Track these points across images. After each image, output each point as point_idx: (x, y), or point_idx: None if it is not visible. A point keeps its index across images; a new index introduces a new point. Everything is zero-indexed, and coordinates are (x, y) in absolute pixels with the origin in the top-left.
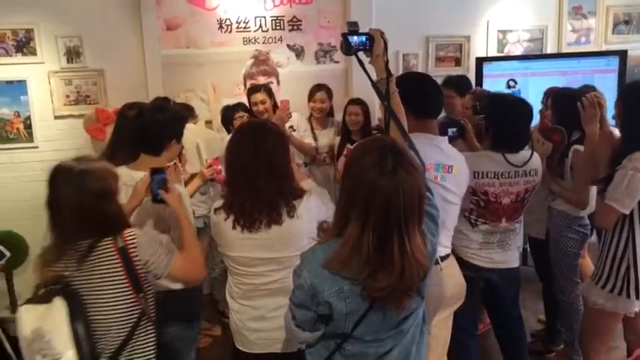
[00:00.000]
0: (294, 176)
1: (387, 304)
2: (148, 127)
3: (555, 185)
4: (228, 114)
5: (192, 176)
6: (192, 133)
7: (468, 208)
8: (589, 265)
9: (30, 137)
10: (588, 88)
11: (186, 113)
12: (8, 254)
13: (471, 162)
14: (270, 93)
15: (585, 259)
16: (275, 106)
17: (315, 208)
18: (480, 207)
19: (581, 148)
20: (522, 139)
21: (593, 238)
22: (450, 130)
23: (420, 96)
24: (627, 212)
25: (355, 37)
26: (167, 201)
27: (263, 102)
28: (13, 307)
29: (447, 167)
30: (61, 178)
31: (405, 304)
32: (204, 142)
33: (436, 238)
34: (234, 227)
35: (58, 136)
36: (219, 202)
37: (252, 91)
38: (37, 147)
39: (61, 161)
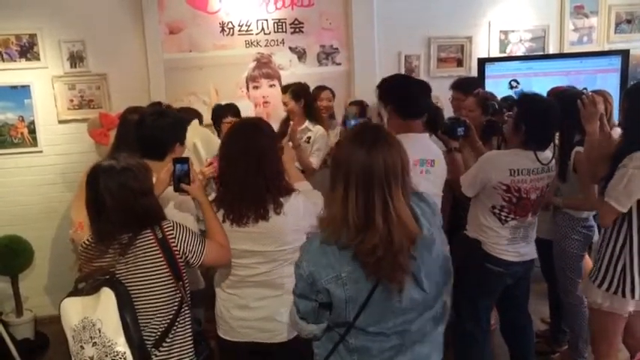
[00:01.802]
0: (284, 174)
1: (381, 277)
2: (149, 134)
3: (555, 199)
4: (218, 113)
5: None
6: (192, 132)
7: (498, 205)
8: (589, 263)
9: (34, 142)
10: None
11: (186, 116)
12: None
13: (507, 160)
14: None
15: (586, 258)
16: (307, 108)
17: (302, 206)
18: (512, 203)
19: (582, 149)
20: (551, 137)
21: (596, 236)
22: (459, 130)
23: (405, 98)
24: (625, 211)
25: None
26: (189, 191)
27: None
28: (18, 310)
29: (429, 161)
30: (103, 177)
31: (399, 278)
32: (201, 142)
33: (433, 228)
34: (224, 220)
35: (62, 140)
36: (212, 196)
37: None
38: (41, 151)
39: (99, 161)
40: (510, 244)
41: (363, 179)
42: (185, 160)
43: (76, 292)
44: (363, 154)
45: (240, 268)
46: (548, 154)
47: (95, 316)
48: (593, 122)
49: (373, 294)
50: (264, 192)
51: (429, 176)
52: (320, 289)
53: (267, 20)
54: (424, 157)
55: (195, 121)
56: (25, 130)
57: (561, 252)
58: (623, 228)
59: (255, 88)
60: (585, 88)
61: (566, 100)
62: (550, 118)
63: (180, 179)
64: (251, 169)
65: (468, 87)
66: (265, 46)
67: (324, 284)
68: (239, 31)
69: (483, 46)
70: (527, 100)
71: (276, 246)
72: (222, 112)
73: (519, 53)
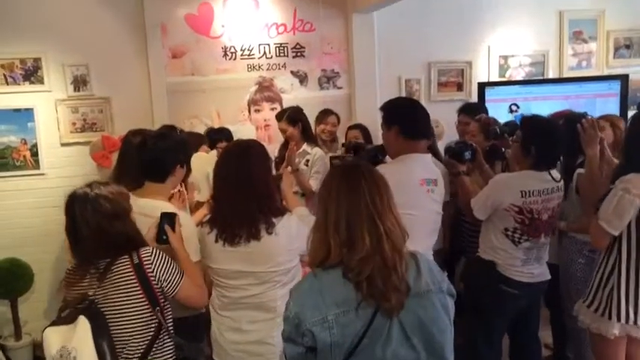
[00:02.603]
0: (276, 195)
1: (375, 298)
2: (151, 156)
3: (560, 223)
4: (212, 138)
5: (200, 204)
6: (203, 161)
7: (511, 227)
8: None
9: (36, 164)
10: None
11: (189, 139)
12: None
13: (518, 182)
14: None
15: None
16: (304, 131)
17: (295, 227)
18: (525, 225)
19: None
20: (559, 156)
21: None
22: (467, 153)
23: (412, 119)
24: (616, 234)
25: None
26: (170, 242)
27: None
28: (17, 334)
29: (434, 181)
30: (77, 203)
31: (393, 299)
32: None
33: (433, 286)
34: (216, 240)
35: (64, 163)
36: (207, 217)
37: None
38: (43, 174)
39: (75, 188)
40: (524, 266)
41: (348, 200)
42: (173, 216)
43: (56, 321)
44: (345, 187)
45: (232, 290)
46: (557, 173)
47: (72, 344)
48: (594, 146)
49: (362, 340)
50: (255, 211)
51: (433, 195)
52: (305, 332)
53: (269, 45)
54: (429, 177)
55: (213, 152)
56: (28, 153)
57: (568, 276)
58: (614, 251)
59: (257, 111)
60: (585, 112)
61: (568, 121)
62: (557, 136)
63: (165, 233)
64: (242, 189)
65: (475, 111)
66: (267, 69)
67: (309, 326)
68: (241, 55)
69: (483, 70)
70: (532, 122)
71: (268, 266)
72: (216, 136)
73: (519, 78)
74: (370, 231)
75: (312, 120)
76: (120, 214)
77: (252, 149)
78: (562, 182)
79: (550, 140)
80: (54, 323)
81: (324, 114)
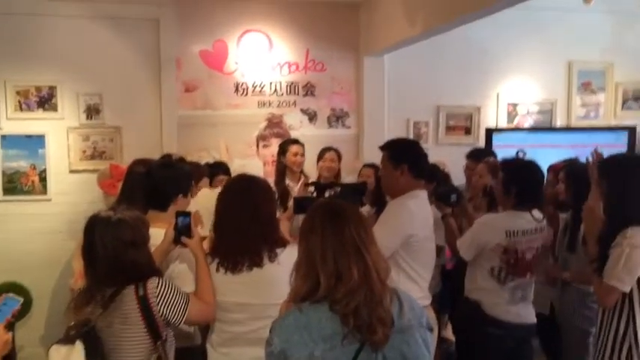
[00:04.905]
0: (279, 227)
1: (360, 331)
2: (154, 184)
3: (564, 274)
4: (211, 171)
5: (203, 239)
6: (208, 197)
7: (497, 267)
8: None
9: (44, 190)
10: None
11: (192, 169)
12: (21, 299)
13: (502, 222)
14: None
15: None
16: None
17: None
18: (510, 264)
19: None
20: (541, 196)
21: None
22: (452, 197)
23: (420, 158)
24: (627, 290)
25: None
26: (188, 244)
27: (300, 154)
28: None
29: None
30: (99, 226)
31: (380, 333)
32: None
33: (414, 321)
34: (217, 270)
35: (71, 189)
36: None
37: (289, 142)
38: (50, 199)
39: (99, 211)
40: (509, 305)
41: (333, 234)
42: (187, 214)
43: (62, 340)
44: (329, 222)
45: (232, 324)
46: (539, 213)
47: None
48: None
49: None
50: (259, 240)
51: (437, 230)
52: None
53: (280, 82)
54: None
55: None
56: (36, 178)
57: (570, 328)
58: (625, 307)
59: (265, 147)
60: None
61: (575, 170)
62: (536, 177)
63: (181, 232)
64: (246, 217)
65: (482, 157)
66: (277, 106)
67: None
68: (252, 91)
69: (492, 116)
70: (512, 164)
71: (272, 298)
72: (214, 170)
73: (527, 125)
74: (357, 263)
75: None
76: (138, 243)
77: (256, 182)
78: (545, 222)
79: (529, 181)
80: (59, 341)
81: (323, 151)
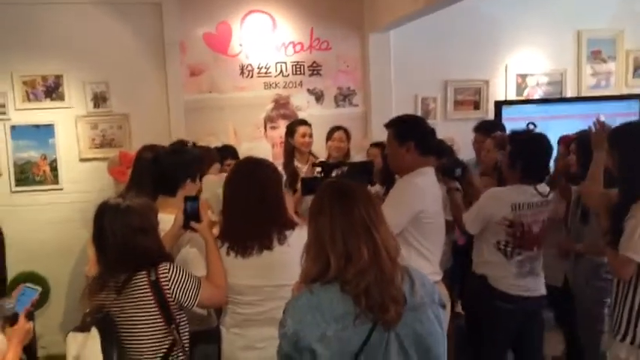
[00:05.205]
0: (287, 209)
1: (373, 311)
2: (162, 170)
3: (577, 246)
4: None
5: (213, 223)
6: (213, 183)
7: (503, 240)
8: None
9: (55, 179)
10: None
11: (201, 154)
12: (40, 288)
13: (508, 196)
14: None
15: None
16: None
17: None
18: (516, 238)
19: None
20: (547, 170)
21: None
22: (457, 170)
23: (426, 134)
24: None
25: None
26: (197, 228)
27: (309, 135)
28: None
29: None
30: (108, 213)
31: (392, 312)
32: None
33: (427, 298)
34: (227, 254)
35: (82, 178)
36: (214, 233)
37: (297, 123)
38: (61, 189)
39: (108, 198)
40: (518, 279)
41: (342, 214)
42: (195, 199)
43: (79, 327)
44: (338, 202)
45: (245, 306)
46: (545, 187)
47: (84, 353)
48: (601, 148)
49: (360, 356)
50: (268, 222)
51: (447, 206)
52: (304, 348)
53: (285, 63)
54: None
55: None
56: (47, 168)
57: (584, 300)
58: None
59: (273, 128)
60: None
61: (586, 141)
62: (543, 151)
63: (190, 217)
64: (255, 199)
65: (491, 129)
66: (284, 87)
67: (310, 343)
68: (258, 73)
69: (500, 89)
70: (519, 137)
71: (283, 279)
72: (223, 154)
73: (536, 96)
74: (367, 242)
75: (325, 138)
76: (146, 229)
77: (263, 165)
78: (551, 196)
79: (535, 155)
80: (76, 328)
81: (332, 131)
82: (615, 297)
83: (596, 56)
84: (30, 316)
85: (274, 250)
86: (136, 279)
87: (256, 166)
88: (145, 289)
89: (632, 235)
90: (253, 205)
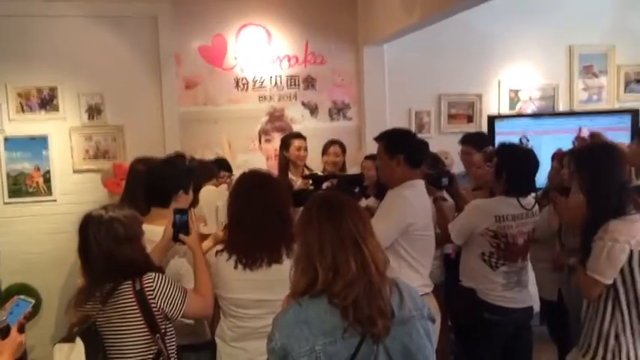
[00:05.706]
0: (293, 222)
1: (361, 324)
2: (154, 181)
3: (571, 260)
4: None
5: (205, 236)
6: (212, 194)
7: (487, 252)
8: None
9: (49, 191)
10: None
11: (201, 168)
12: (33, 301)
13: (492, 207)
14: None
15: None
16: None
17: None
18: (500, 249)
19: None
20: (532, 184)
21: None
22: (443, 180)
23: (415, 147)
24: (610, 282)
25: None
26: (186, 241)
27: (304, 148)
28: None
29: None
30: (92, 225)
31: (380, 325)
32: (223, 205)
33: (415, 312)
34: (235, 267)
35: (75, 189)
36: (219, 246)
37: (292, 136)
38: (55, 200)
39: (91, 210)
40: (505, 290)
41: (330, 226)
42: (185, 211)
43: (65, 338)
44: (326, 214)
45: (249, 320)
46: (530, 199)
47: None
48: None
49: None
50: (278, 233)
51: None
52: None
53: (280, 76)
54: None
55: (223, 187)
56: (41, 180)
57: (577, 314)
58: (610, 298)
59: (268, 141)
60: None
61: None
62: (529, 165)
63: (179, 229)
64: (267, 207)
65: (479, 142)
66: (278, 100)
67: (297, 357)
68: (253, 86)
69: (493, 103)
70: (506, 149)
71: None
72: (217, 167)
73: (529, 111)
74: (355, 255)
75: (320, 151)
76: (131, 239)
77: (270, 178)
78: (536, 208)
79: (520, 168)
80: (62, 339)
81: (327, 145)
82: (585, 315)
83: (587, 71)
84: (21, 329)
85: (284, 263)
86: (121, 289)
87: (265, 178)
88: (130, 298)
89: (598, 256)
90: (264, 218)
